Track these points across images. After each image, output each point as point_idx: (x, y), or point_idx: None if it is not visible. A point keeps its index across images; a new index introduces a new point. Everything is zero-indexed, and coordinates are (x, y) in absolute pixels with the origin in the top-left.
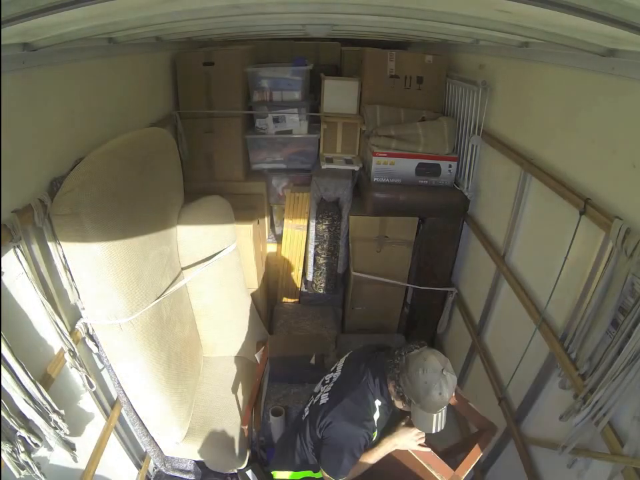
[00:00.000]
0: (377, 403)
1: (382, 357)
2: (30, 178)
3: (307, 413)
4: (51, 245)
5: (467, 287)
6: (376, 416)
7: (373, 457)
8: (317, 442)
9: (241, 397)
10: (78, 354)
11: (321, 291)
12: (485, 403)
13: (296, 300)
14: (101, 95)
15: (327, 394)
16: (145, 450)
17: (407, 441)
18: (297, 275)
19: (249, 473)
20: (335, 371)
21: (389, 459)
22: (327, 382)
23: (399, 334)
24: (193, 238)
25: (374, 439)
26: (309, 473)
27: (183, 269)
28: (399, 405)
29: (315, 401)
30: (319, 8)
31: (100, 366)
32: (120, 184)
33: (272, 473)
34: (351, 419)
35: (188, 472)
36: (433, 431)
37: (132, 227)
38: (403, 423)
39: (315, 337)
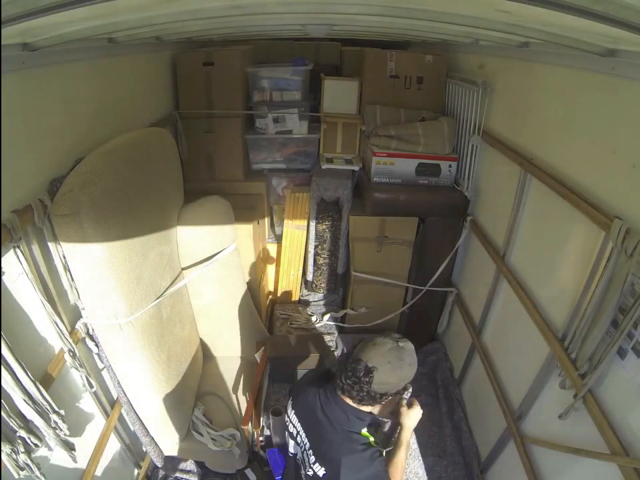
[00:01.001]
0: (365, 430)
1: (333, 393)
2: (30, 178)
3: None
4: (50, 245)
5: (467, 287)
6: (372, 439)
7: (402, 455)
8: None
9: (241, 397)
10: (78, 354)
11: (321, 291)
12: (484, 402)
13: (296, 300)
14: (101, 95)
15: (319, 464)
16: (145, 450)
17: (416, 415)
18: (297, 275)
19: (249, 472)
20: (296, 429)
21: None
22: (303, 448)
23: (399, 334)
24: (193, 238)
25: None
26: None
27: (183, 269)
28: (381, 410)
29: (310, 473)
30: (318, 8)
31: (100, 366)
32: (120, 184)
33: None
34: (361, 469)
35: (188, 472)
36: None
37: (132, 227)
38: (404, 408)
39: (315, 337)
